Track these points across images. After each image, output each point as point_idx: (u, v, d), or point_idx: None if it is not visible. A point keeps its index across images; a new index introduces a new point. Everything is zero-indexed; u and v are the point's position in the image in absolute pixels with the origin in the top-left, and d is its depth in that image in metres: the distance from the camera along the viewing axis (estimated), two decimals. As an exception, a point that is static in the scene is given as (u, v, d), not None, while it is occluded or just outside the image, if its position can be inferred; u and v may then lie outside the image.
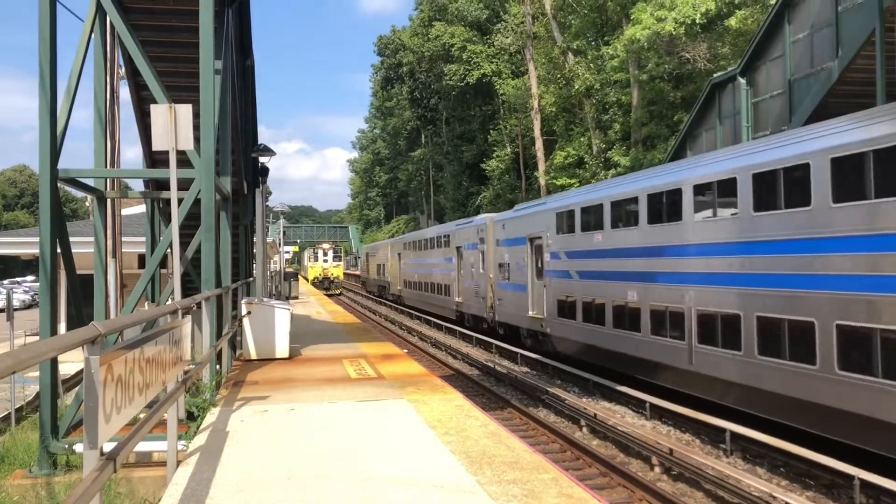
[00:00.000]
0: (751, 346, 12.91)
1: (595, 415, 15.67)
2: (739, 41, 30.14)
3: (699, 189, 14.62)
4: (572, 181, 40.49)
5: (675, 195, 15.32)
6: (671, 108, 36.35)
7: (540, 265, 22.95)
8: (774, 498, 10.15)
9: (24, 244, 26.26)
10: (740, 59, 24.64)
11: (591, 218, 19.29)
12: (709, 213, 14.41)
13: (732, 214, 13.58)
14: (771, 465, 12.13)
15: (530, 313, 23.83)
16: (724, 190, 13.83)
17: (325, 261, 70.36)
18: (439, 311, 37.53)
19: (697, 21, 30.12)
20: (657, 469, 12.43)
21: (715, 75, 26.44)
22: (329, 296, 55.75)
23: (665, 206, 15.80)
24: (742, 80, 23.97)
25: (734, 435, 12.84)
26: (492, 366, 23.33)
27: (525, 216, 24.64)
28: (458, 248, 33.70)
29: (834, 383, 11.07)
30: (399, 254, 49.60)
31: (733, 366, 13.36)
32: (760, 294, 12.75)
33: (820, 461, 10.92)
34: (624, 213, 17.66)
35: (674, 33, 30.57)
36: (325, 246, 72.84)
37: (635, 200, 16.95)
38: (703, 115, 26.60)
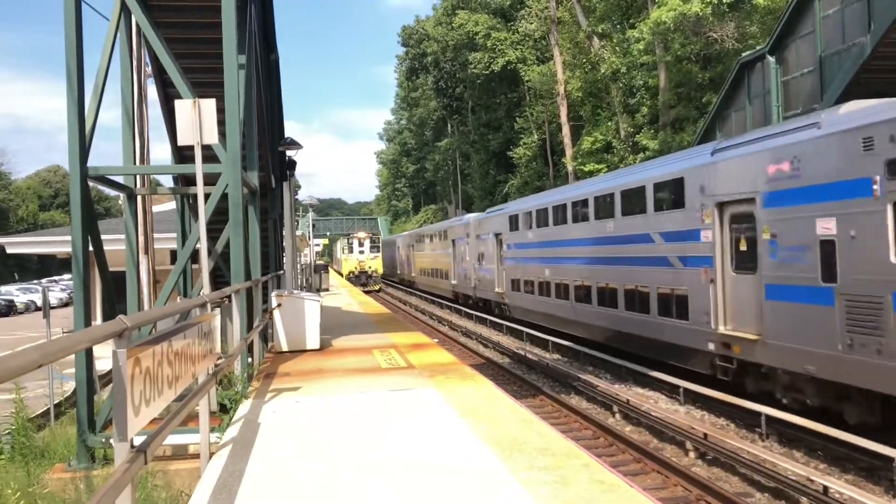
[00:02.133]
0: (595, 302, 21.21)
1: (628, 400, 15.57)
2: (768, 19, 29.60)
3: (573, 204, 22.66)
4: (600, 166, 40.19)
5: (562, 209, 23.64)
6: (699, 90, 35.87)
7: (501, 254, 31.05)
8: (812, 481, 10.00)
9: (60, 243, 26.67)
10: (769, 38, 24.21)
11: (525, 220, 27.47)
12: (583, 220, 21.97)
13: (594, 220, 21.11)
14: (808, 449, 11.96)
15: (496, 290, 32.15)
16: (596, 203, 20.93)
17: (362, 252, 62.15)
18: (441, 291, 45.68)
19: (724, 0, 29.63)
20: (692, 454, 12.33)
21: (743, 55, 26.00)
22: (367, 292, 47.92)
23: (561, 214, 23.67)
24: (771, 59, 23.55)
25: (769, 419, 12.67)
26: (522, 353, 23.30)
27: (492, 217, 33.22)
28: (453, 241, 41.19)
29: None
30: (412, 245, 56.32)
31: (591, 315, 21.52)
32: (603, 270, 20.50)
33: (859, 444, 10.73)
34: (542, 217, 25.55)
35: (700, 14, 30.09)
36: (361, 235, 64.20)
37: (545, 210, 25.13)
38: (732, 96, 26.20)
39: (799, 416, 12.11)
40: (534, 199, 28.91)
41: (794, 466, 10.62)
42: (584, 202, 21.60)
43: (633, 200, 18.43)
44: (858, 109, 11.20)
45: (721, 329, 14.36)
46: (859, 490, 9.78)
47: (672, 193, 16.37)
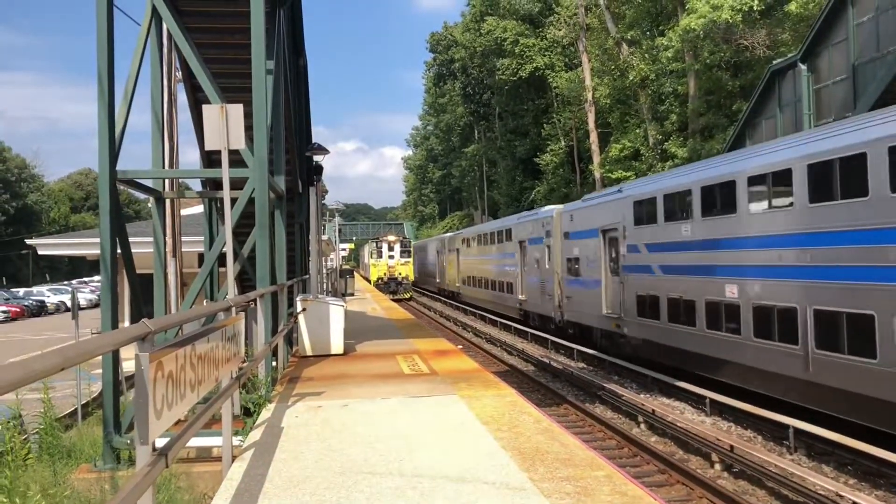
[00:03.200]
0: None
1: (653, 411, 15.41)
2: (800, 27, 29.22)
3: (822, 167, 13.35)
4: (628, 174, 39.88)
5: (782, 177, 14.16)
6: (729, 97, 35.50)
7: (616, 258, 21.48)
8: (841, 497, 9.81)
9: (90, 245, 27.03)
10: (801, 45, 23.92)
11: (677, 203, 17.98)
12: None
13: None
14: (837, 463, 11.75)
15: (604, 311, 22.09)
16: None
17: (392, 257, 57.58)
18: (497, 307, 36.65)
19: (755, 8, 29.32)
20: (717, 466, 12.16)
21: (774, 62, 25.72)
22: (397, 300, 44.64)
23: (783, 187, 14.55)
24: (803, 67, 23.27)
25: (797, 431, 12.46)
26: (547, 361, 23.17)
27: (596, 206, 23.26)
28: (520, 243, 32.23)
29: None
30: (458, 249, 48.22)
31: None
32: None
33: (890, 459, 10.52)
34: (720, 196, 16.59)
35: (730, 21, 29.80)
36: (391, 238, 59.48)
37: (731, 185, 15.77)
38: (763, 104, 25.92)
39: (829, 431, 11.89)
40: (691, 169, 18.62)
41: (822, 481, 10.43)
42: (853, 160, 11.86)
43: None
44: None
45: None
46: (890, 507, 9.58)
47: None
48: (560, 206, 28.49)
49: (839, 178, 12.13)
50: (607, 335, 22.29)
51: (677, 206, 17.84)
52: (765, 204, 14.33)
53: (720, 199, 15.80)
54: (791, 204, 13.39)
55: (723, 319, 15.48)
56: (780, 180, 13.72)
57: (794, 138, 14.47)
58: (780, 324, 13.60)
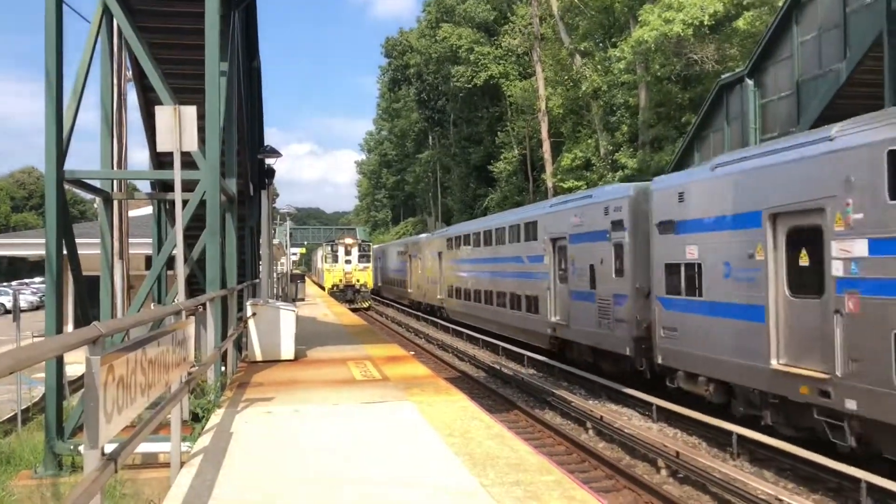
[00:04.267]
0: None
1: (601, 417, 15.62)
2: (747, 42, 30.06)
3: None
4: (580, 183, 40.43)
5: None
6: (679, 110, 36.27)
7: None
8: (780, 501, 10.09)
9: (32, 245, 26.37)
10: (748, 61, 24.56)
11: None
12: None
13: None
14: (778, 469, 12.06)
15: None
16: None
17: (349, 262, 52.59)
18: (516, 333, 26.25)
19: (705, 23, 30.03)
20: (663, 472, 12.38)
21: (723, 76, 26.35)
22: (354, 310, 39.91)
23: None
24: (750, 82, 23.89)
25: (741, 438, 12.77)
26: (498, 367, 23.29)
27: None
28: (554, 241, 22.18)
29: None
30: (440, 252, 38.40)
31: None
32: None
33: (827, 464, 10.85)
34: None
35: (681, 34, 30.48)
36: (349, 241, 54.55)
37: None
38: (711, 117, 26.52)
39: (770, 437, 12.21)
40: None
41: (763, 486, 10.70)
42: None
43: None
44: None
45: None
46: (827, 510, 9.88)
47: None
48: (643, 184, 17.85)
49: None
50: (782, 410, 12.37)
51: None
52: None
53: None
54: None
55: None
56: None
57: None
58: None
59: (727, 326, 13.40)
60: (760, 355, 12.27)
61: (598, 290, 18.81)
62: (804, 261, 11.63)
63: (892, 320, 9.74)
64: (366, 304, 51.31)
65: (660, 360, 15.70)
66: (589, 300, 19.30)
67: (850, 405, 10.35)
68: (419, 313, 43.32)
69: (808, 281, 11.48)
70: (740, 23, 29.30)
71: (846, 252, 10.49)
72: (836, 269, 10.64)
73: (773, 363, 12.01)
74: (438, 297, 39.02)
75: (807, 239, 11.49)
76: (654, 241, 16.01)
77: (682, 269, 14.95)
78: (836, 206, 10.64)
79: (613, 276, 18.01)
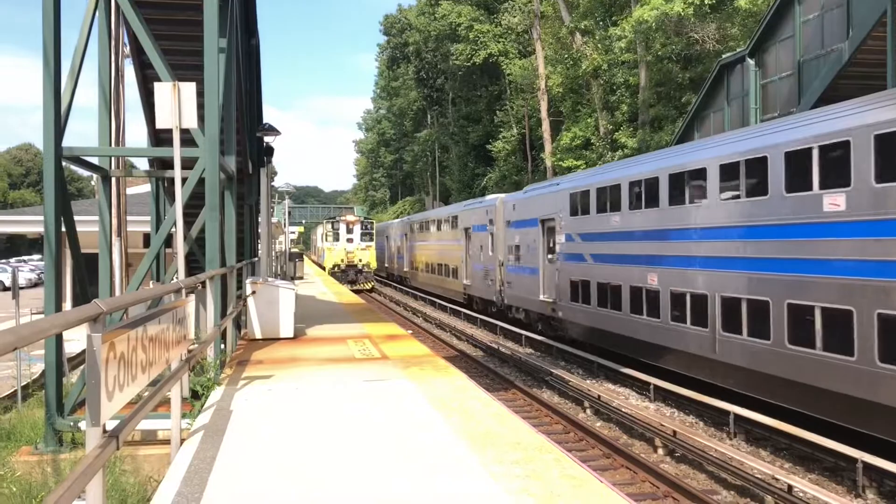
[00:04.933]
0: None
1: (599, 396, 15.70)
2: (749, 22, 29.84)
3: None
4: (579, 163, 40.32)
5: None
6: (679, 90, 36.10)
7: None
8: (777, 480, 10.17)
9: (30, 223, 26.33)
10: (749, 40, 24.41)
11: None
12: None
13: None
14: (774, 448, 12.15)
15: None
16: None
17: (350, 240, 50.09)
18: (447, 293, 37.37)
19: (706, 2, 29.82)
20: (660, 451, 12.47)
21: (724, 56, 26.21)
22: (356, 292, 38.77)
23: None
24: (751, 62, 23.76)
25: (738, 417, 12.85)
26: (496, 347, 23.38)
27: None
28: (465, 230, 33.36)
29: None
30: (405, 234, 49.33)
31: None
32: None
33: (823, 444, 10.93)
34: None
35: (682, 14, 30.27)
36: (350, 218, 51.93)
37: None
38: (712, 97, 26.41)
39: (767, 416, 12.29)
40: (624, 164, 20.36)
41: (759, 465, 10.78)
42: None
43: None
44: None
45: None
46: (822, 489, 9.96)
47: None
48: (503, 196, 29.84)
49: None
50: (544, 319, 23.56)
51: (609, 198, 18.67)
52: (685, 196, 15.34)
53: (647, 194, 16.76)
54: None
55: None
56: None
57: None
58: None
59: (527, 279, 24.81)
60: (537, 293, 23.60)
61: (483, 263, 30.52)
62: (550, 243, 22.58)
63: (571, 272, 20.74)
64: (369, 286, 49.81)
65: (505, 302, 27.72)
66: (480, 268, 31.11)
67: (560, 313, 21.81)
68: (396, 284, 53.74)
69: (551, 253, 22.45)
70: (742, 2, 29.05)
71: (560, 239, 21.48)
72: (560, 247, 21.62)
73: (541, 297, 23.38)
74: (405, 269, 49.98)
75: (550, 232, 22.58)
76: (505, 233, 27.48)
77: (514, 248, 26.19)
78: (560, 217, 21.55)
79: (490, 253, 29.45)
